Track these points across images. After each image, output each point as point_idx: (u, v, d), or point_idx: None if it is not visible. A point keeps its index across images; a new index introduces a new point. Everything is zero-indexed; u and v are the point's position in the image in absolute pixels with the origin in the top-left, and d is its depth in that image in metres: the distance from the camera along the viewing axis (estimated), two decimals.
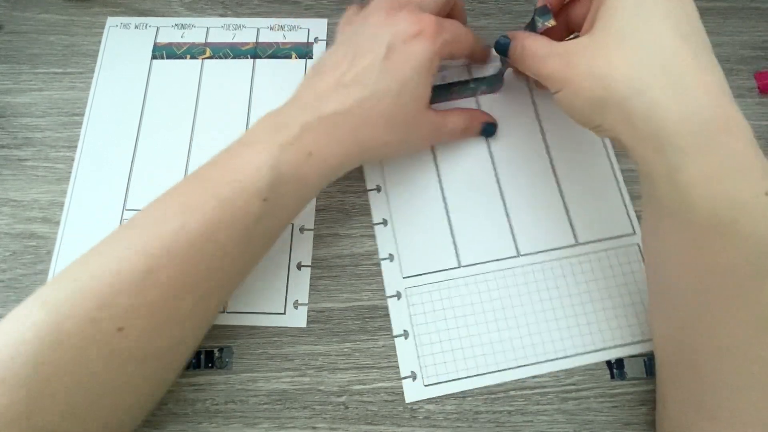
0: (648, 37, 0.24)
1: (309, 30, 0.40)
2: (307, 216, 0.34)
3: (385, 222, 0.34)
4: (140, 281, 0.24)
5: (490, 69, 0.37)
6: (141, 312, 0.24)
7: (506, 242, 0.33)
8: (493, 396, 0.31)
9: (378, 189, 0.35)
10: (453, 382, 0.31)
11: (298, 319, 0.32)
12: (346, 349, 0.32)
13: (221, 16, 0.40)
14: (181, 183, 0.27)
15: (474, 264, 0.33)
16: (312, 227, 0.34)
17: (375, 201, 0.35)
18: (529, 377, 0.31)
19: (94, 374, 0.23)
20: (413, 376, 0.31)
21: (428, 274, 0.33)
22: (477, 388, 0.31)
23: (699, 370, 0.25)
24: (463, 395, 0.30)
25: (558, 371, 0.31)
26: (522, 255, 0.33)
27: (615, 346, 0.31)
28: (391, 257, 0.33)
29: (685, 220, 0.23)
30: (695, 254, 0.23)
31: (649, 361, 0.31)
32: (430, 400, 0.30)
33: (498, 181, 0.35)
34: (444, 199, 0.35)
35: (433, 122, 0.33)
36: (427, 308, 0.32)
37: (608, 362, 0.31)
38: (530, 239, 0.33)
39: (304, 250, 0.34)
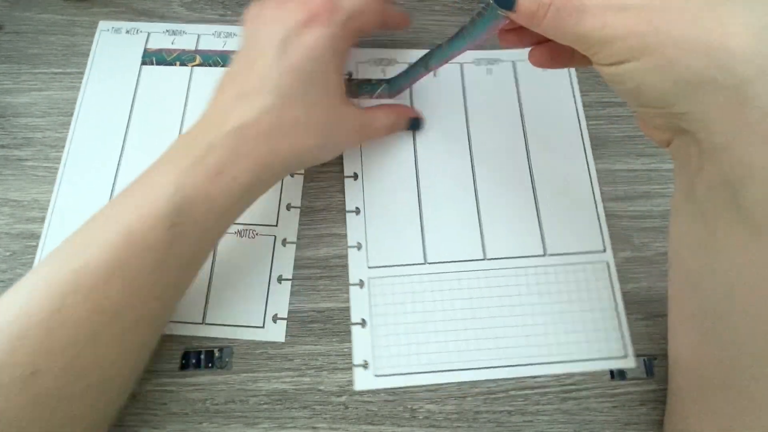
0: None
1: None
2: (291, 228, 0.34)
3: (357, 210, 0.34)
4: (50, 321, 0.23)
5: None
6: (54, 353, 0.23)
7: (474, 244, 0.33)
8: (492, 396, 0.31)
9: (355, 176, 0.35)
10: (405, 375, 0.31)
11: (276, 333, 0.32)
12: (346, 349, 0.32)
13: (221, 16, 0.40)
14: (94, 215, 0.26)
15: (440, 262, 0.33)
16: (294, 240, 0.34)
17: (350, 188, 0.35)
18: (486, 380, 0.31)
19: (12, 418, 0.22)
20: (365, 365, 0.31)
21: (393, 267, 0.33)
22: (428, 385, 0.31)
23: (757, 398, 0.23)
24: (463, 395, 0.30)
25: (520, 377, 0.31)
26: (489, 259, 0.33)
27: (573, 360, 0.31)
28: (359, 246, 0.33)
29: None
30: None
31: (649, 362, 0.31)
32: (430, 401, 0.30)
33: (474, 182, 0.35)
34: (419, 193, 0.35)
35: (358, 119, 0.31)
36: (387, 300, 0.32)
37: None
38: (499, 244, 0.33)
39: (286, 263, 0.33)
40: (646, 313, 0.32)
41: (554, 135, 0.36)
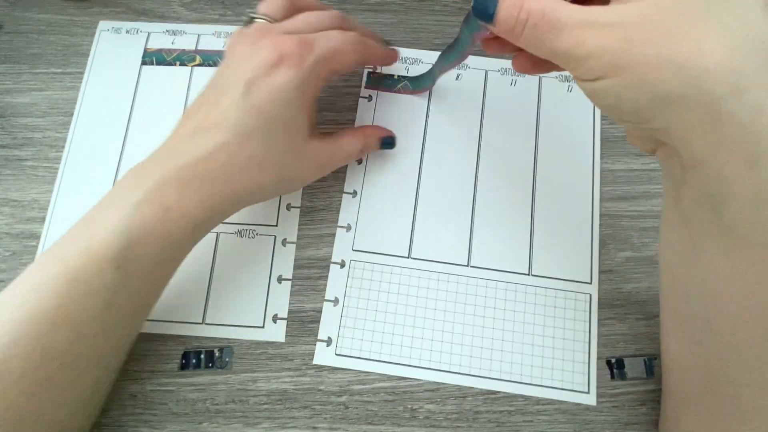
0: (740, 10, 0.18)
1: None
2: (291, 228, 0.34)
3: (354, 193, 0.35)
4: None
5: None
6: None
7: (461, 249, 0.33)
8: (493, 396, 0.31)
9: (359, 161, 0.36)
10: (365, 360, 0.31)
11: (276, 333, 0.32)
12: None
13: (221, 16, 0.40)
14: (41, 255, 0.25)
15: (423, 260, 0.33)
16: (294, 240, 0.34)
17: (352, 172, 0.35)
18: (448, 384, 0.31)
19: None
20: (328, 342, 0.32)
21: (377, 254, 0.33)
22: (387, 375, 0.31)
23: (742, 403, 0.23)
24: (463, 395, 0.31)
25: (480, 389, 0.31)
26: (472, 266, 0.33)
27: (534, 384, 0.31)
28: (348, 227, 0.34)
29: None
30: None
31: (649, 361, 0.31)
32: (430, 401, 0.30)
33: (475, 188, 0.35)
34: (417, 188, 0.35)
35: (322, 151, 0.31)
36: (364, 284, 0.33)
37: (608, 362, 0.31)
38: (485, 254, 0.33)
39: (286, 263, 0.33)
40: (646, 313, 0.32)
41: (564, 159, 0.35)
